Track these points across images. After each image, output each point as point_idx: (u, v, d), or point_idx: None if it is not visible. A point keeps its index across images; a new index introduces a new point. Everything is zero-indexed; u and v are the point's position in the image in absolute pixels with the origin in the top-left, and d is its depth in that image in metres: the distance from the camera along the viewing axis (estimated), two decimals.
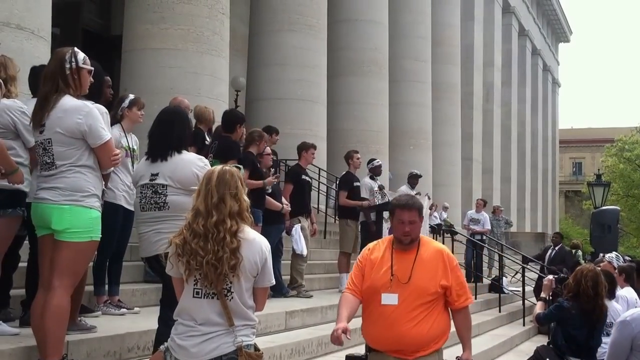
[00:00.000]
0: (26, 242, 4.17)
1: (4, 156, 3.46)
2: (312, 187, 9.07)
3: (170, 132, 3.85)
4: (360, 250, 9.57)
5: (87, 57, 3.66)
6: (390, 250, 3.60)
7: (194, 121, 6.35)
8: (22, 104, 3.83)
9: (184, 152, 3.86)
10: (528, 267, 12.20)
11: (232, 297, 2.80)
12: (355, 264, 3.73)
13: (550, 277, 6.46)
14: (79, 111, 3.47)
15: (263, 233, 6.49)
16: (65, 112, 3.46)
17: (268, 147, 7.65)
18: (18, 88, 4.02)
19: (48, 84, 3.52)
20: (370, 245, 3.76)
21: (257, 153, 7.02)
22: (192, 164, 3.78)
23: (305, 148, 8.21)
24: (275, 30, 12.89)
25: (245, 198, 2.90)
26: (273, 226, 7.07)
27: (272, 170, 8.21)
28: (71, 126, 3.45)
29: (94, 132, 3.49)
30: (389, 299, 3.46)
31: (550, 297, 6.18)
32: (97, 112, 3.57)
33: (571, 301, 5.55)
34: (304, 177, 8.10)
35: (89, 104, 3.59)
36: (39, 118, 3.50)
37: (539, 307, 5.98)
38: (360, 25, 15.46)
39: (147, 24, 8.93)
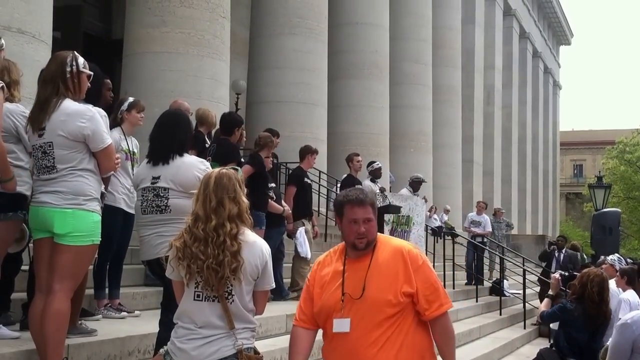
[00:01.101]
0: (31, 245, 4.17)
1: (2, 160, 3.46)
2: (313, 190, 9.07)
3: (172, 135, 3.84)
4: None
5: (87, 62, 3.66)
6: (342, 261, 2.94)
7: (194, 123, 6.36)
8: (24, 109, 3.82)
9: (185, 155, 3.85)
10: (529, 269, 12.18)
11: (232, 300, 2.80)
12: (304, 284, 3.16)
13: (557, 275, 6.41)
14: (82, 115, 3.47)
15: (265, 236, 6.54)
16: (68, 116, 3.45)
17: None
18: (20, 92, 4.02)
19: (48, 87, 3.50)
20: (321, 257, 3.10)
21: (265, 157, 7.07)
22: (193, 167, 3.77)
23: (309, 152, 8.21)
24: (275, 33, 12.90)
25: (244, 199, 2.90)
26: (274, 229, 7.08)
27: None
28: (74, 130, 3.44)
29: (97, 137, 3.49)
30: (340, 325, 2.82)
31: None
32: (99, 117, 3.57)
33: (575, 303, 5.54)
34: (306, 179, 8.11)
35: (91, 107, 3.59)
36: (39, 121, 3.48)
37: (544, 305, 5.97)
38: (361, 28, 15.47)
39: (148, 28, 8.95)
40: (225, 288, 2.79)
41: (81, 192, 3.46)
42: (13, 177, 3.52)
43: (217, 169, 2.97)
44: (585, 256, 17.00)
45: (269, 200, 7.05)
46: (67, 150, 3.46)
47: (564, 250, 13.05)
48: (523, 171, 34.53)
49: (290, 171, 8.71)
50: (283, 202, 7.50)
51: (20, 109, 3.81)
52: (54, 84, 3.50)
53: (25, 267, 4.28)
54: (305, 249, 7.47)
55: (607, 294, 5.48)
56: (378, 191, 9.06)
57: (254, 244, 2.87)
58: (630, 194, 38.04)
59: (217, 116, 7.23)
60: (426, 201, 10.86)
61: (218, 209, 2.81)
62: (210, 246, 2.77)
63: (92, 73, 3.68)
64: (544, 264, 13.24)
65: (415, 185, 10.72)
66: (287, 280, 7.64)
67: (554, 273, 7.56)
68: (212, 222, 2.79)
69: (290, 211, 7.47)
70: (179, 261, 2.82)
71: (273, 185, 7.53)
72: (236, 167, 3.09)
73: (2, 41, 3.78)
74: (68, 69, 3.52)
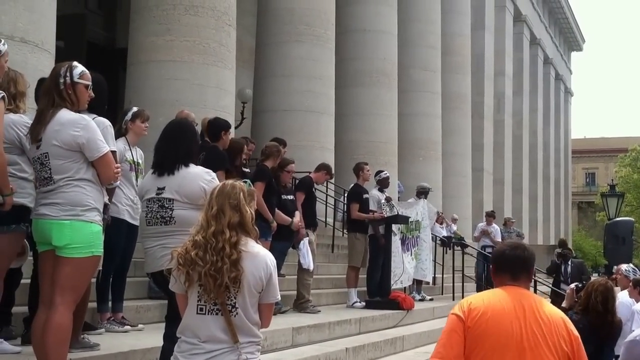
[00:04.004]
0: (30, 258, 4.12)
1: (2, 172, 3.43)
2: (319, 200, 9.02)
3: (177, 146, 3.81)
4: (370, 264, 9.32)
5: (87, 72, 3.63)
6: None
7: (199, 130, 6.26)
8: (27, 120, 3.82)
9: (191, 165, 3.81)
10: (540, 280, 12.04)
11: (236, 313, 2.76)
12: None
13: (573, 286, 6.30)
14: (75, 124, 3.45)
15: (271, 247, 6.44)
16: (62, 125, 3.43)
17: (293, 165, 7.63)
18: (26, 104, 4.00)
19: (45, 99, 3.52)
20: None
21: (271, 166, 6.98)
22: (199, 177, 3.73)
23: (326, 169, 8.31)
24: (282, 41, 12.85)
25: (249, 210, 2.86)
26: (281, 242, 7.01)
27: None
28: (68, 139, 3.43)
29: (92, 145, 3.46)
30: None
31: None
32: (95, 125, 3.55)
33: (580, 315, 5.42)
34: (314, 189, 8.05)
35: (86, 116, 3.57)
36: (36, 133, 3.48)
37: None
38: (369, 35, 15.41)
39: (153, 36, 8.89)
40: (227, 300, 2.75)
41: (79, 202, 3.44)
42: (11, 193, 3.49)
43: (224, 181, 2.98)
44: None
45: (277, 210, 6.97)
46: (63, 160, 3.44)
47: (570, 262, 12.93)
48: (534, 180, 34.32)
49: (297, 181, 8.62)
50: (297, 213, 7.40)
51: (24, 120, 3.82)
52: (49, 96, 3.50)
53: (26, 281, 4.23)
54: (307, 261, 7.36)
55: (612, 304, 5.33)
56: (384, 201, 8.97)
57: (258, 255, 2.83)
58: None
59: None
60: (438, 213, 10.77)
61: (218, 216, 2.81)
62: (209, 252, 2.75)
63: (89, 83, 3.65)
64: (553, 276, 13.08)
65: (421, 195, 10.60)
66: (292, 293, 7.52)
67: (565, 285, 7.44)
68: (212, 229, 2.79)
69: (302, 225, 7.37)
70: (179, 267, 2.80)
71: (291, 197, 7.45)
72: (245, 180, 3.08)
73: (5, 47, 3.73)
74: (61, 81, 3.52)
